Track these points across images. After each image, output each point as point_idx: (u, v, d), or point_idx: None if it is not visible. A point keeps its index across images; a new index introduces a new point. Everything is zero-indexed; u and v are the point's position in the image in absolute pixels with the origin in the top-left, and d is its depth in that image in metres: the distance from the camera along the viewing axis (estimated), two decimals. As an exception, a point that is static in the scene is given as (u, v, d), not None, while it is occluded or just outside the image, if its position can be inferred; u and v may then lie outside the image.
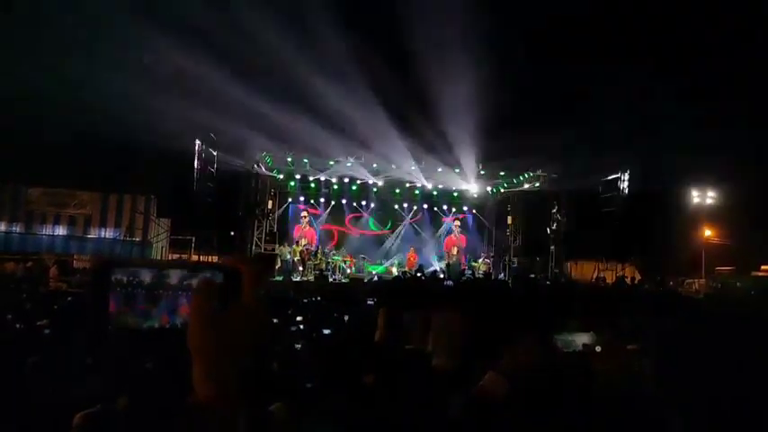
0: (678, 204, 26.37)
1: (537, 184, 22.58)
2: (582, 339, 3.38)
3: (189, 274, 0.89)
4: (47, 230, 22.47)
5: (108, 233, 22.54)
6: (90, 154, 21.05)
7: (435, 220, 23.44)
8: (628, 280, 19.41)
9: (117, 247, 20.79)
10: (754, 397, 1.24)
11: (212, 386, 0.80)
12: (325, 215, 22.22)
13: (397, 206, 22.74)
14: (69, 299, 7.84)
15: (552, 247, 23.33)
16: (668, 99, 16.87)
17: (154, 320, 0.88)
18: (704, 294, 18.42)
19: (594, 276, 21.52)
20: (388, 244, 22.79)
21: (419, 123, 18.95)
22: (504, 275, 22.07)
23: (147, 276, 0.88)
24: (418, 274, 17.69)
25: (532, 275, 20.95)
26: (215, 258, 20.47)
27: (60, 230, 22.59)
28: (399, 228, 22.90)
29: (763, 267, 19.58)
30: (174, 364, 0.91)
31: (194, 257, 20.39)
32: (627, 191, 21.02)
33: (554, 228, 23.08)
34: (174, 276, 0.89)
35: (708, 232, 26.67)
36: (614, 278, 20.10)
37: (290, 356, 4.08)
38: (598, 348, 3.36)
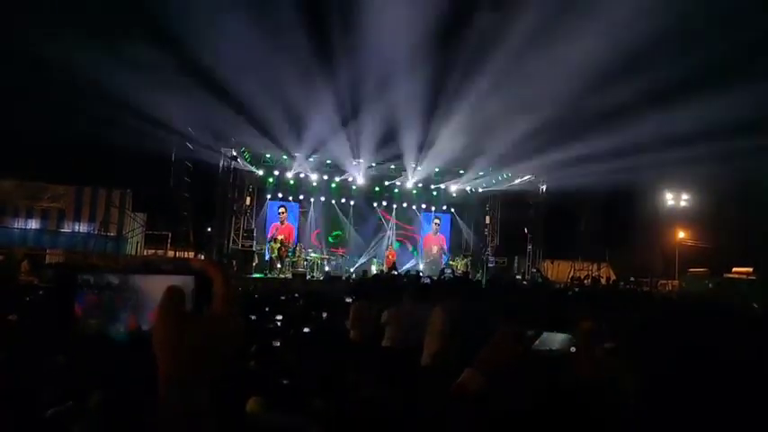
0: (653, 206, 26.79)
1: (516, 182, 22.79)
2: (557, 339, 3.43)
3: (159, 277, 0.87)
4: (19, 224, 22.01)
5: (82, 227, 22.14)
6: (64, 146, 20.69)
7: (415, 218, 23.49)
8: (603, 280, 19.67)
9: (91, 242, 20.41)
10: (730, 390, 1.25)
11: (177, 392, 0.77)
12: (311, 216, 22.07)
13: (375, 204, 22.68)
14: (40, 293, 7.71)
15: (529, 247, 23.55)
16: (642, 100, 17.09)
17: (120, 325, 0.87)
18: (677, 295, 18.73)
19: (570, 276, 21.76)
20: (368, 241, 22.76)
21: (400, 120, 18.95)
22: (482, 274, 22.22)
23: (114, 280, 0.87)
24: (394, 272, 17.73)
25: (518, 276, 21.11)
26: (191, 254, 20.29)
27: (33, 224, 22.14)
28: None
29: (734, 269, 19.95)
30: (141, 369, 0.89)
31: (170, 253, 20.20)
32: (602, 192, 21.34)
33: (531, 227, 23.35)
34: (143, 280, 0.87)
35: (681, 234, 27.13)
36: (590, 278, 20.33)
37: (267, 354, 4.04)
38: (573, 349, 3.40)
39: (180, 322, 0.80)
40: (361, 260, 21.95)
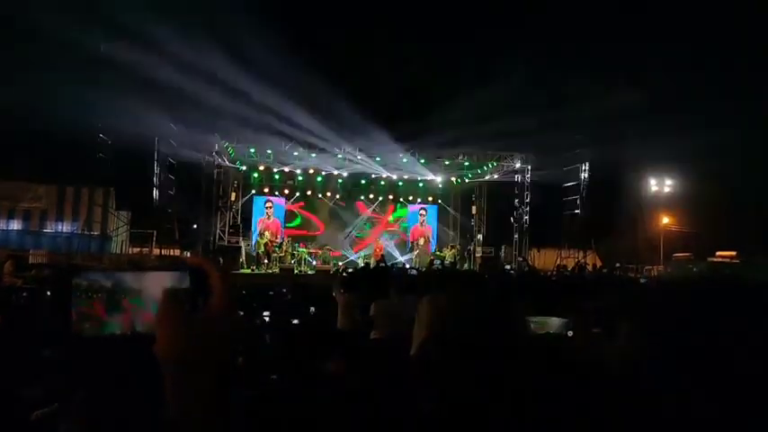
0: (637, 193, 27.00)
1: (499, 173, 22.84)
2: (555, 323, 3.50)
3: (154, 277, 0.85)
4: (0, 225, 21.74)
5: (65, 227, 21.91)
6: (45, 145, 20.42)
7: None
8: (589, 267, 19.78)
9: (75, 242, 20.17)
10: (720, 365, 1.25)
11: (187, 395, 0.77)
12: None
13: (363, 197, 22.67)
14: (24, 294, 7.63)
15: (516, 236, 23.64)
16: (627, 88, 17.21)
17: (115, 326, 0.84)
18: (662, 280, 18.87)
19: (556, 264, 21.88)
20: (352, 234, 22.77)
21: (382, 115, 18.94)
22: (470, 265, 22.28)
23: (106, 280, 0.84)
24: (382, 265, 17.75)
25: (508, 266, 21.18)
26: (176, 252, 20.14)
27: (15, 225, 21.88)
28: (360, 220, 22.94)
29: (718, 253, 20.20)
30: (138, 373, 0.87)
31: (156, 251, 20.03)
32: (587, 180, 21.47)
33: (517, 216, 23.43)
34: (139, 280, 0.85)
35: (666, 220, 27.39)
36: (576, 266, 20.45)
37: (255, 349, 4.03)
38: (570, 333, 3.47)
39: (181, 326, 0.79)
40: (349, 253, 21.97)
